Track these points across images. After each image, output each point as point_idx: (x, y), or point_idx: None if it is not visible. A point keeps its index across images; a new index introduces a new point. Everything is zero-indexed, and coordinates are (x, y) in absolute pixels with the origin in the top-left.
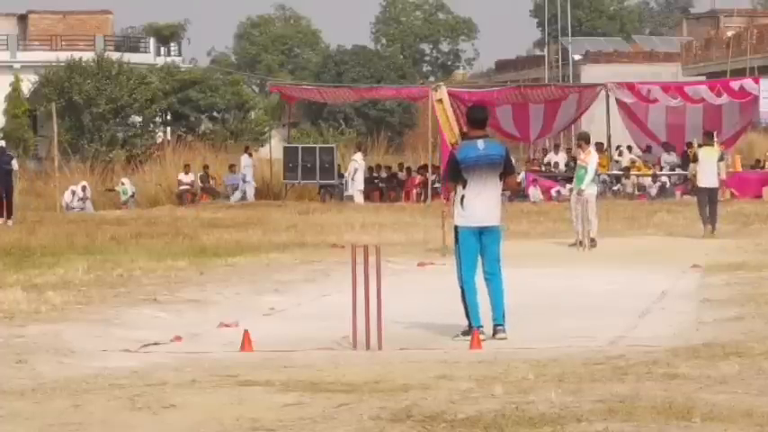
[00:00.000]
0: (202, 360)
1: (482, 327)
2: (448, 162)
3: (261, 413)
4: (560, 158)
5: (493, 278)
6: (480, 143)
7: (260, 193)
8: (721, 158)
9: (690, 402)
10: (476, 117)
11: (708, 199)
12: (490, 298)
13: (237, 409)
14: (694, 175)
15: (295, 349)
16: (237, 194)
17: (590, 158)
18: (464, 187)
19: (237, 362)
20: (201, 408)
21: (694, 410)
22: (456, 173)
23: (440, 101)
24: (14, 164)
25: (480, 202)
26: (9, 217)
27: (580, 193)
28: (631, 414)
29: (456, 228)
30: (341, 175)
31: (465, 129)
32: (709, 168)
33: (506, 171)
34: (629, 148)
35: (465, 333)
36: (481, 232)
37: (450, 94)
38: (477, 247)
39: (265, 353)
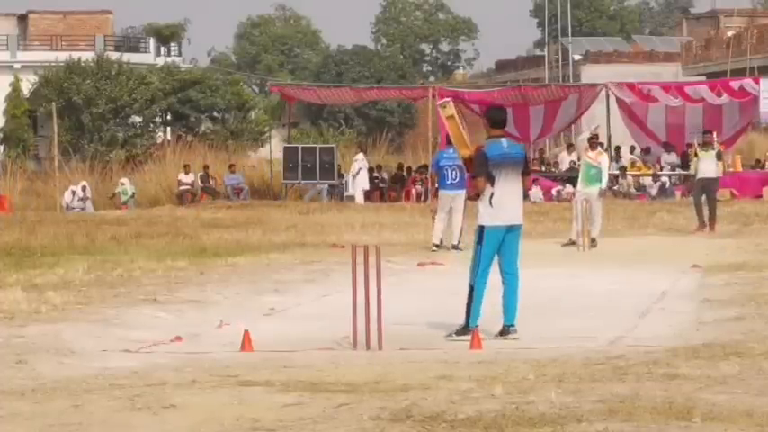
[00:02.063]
0: (202, 360)
1: (477, 326)
2: (476, 158)
3: (261, 413)
4: (570, 158)
5: (511, 277)
6: (504, 142)
7: (260, 193)
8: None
9: (690, 402)
10: (497, 118)
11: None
12: (505, 297)
13: (237, 409)
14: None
15: (295, 349)
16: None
17: (602, 158)
18: (492, 185)
19: (237, 362)
20: (201, 408)
21: (694, 410)
22: (485, 168)
23: (451, 117)
24: None
25: (509, 200)
26: None
27: (601, 192)
28: (631, 414)
29: (481, 227)
30: (341, 176)
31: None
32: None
33: (525, 171)
34: (632, 148)
35: (459, 332)
36: (506, 231)
37: (452, 95)
38: (498, 247)
39: (265, 353)
